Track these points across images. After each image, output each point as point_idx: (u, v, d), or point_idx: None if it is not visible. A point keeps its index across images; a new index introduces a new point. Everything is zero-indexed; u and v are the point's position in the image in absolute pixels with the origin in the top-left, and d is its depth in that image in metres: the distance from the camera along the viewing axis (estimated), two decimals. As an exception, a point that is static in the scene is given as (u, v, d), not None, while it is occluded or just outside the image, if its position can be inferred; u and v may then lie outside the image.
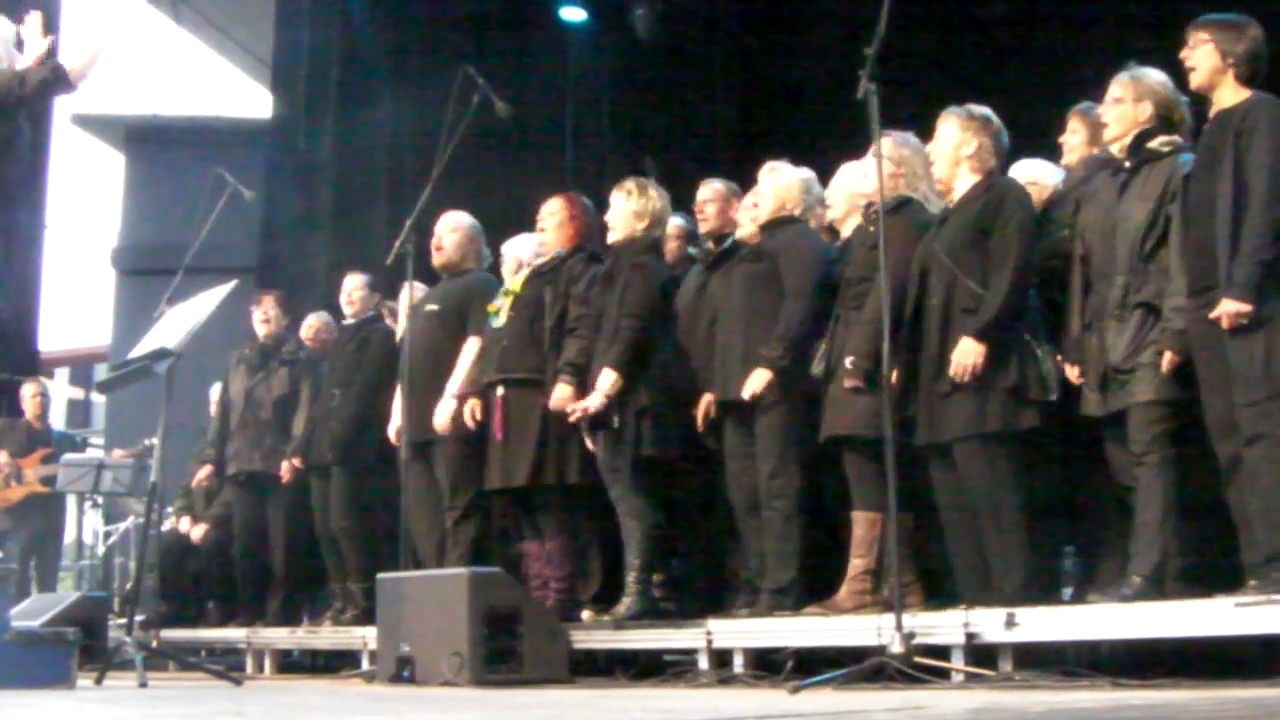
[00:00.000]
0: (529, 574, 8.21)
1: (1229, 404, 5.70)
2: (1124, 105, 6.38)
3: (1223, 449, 5.79)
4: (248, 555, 10.99)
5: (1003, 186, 6.76)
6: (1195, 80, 6.07)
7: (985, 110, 6.89)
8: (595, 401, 7.63)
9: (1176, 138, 6.30)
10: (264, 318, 10.91)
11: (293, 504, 10.47)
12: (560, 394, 7.90)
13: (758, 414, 7.39)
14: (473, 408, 8.48)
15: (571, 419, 7.74)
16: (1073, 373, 6.41)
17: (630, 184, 8.08)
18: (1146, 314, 6.10)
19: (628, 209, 8.00)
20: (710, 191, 8.25)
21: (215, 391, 11.78)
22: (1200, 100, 6.17)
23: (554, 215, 8.44)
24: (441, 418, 8.59)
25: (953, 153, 6.83)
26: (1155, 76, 6.40)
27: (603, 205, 8.21)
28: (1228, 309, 5.59)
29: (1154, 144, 6.28)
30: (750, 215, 7.85)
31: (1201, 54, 6.01)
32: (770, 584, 7.27)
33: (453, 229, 9.13)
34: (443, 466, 8.76)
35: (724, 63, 14.57)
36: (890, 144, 7.11)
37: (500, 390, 8.24)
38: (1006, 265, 6.50)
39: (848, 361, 6.91)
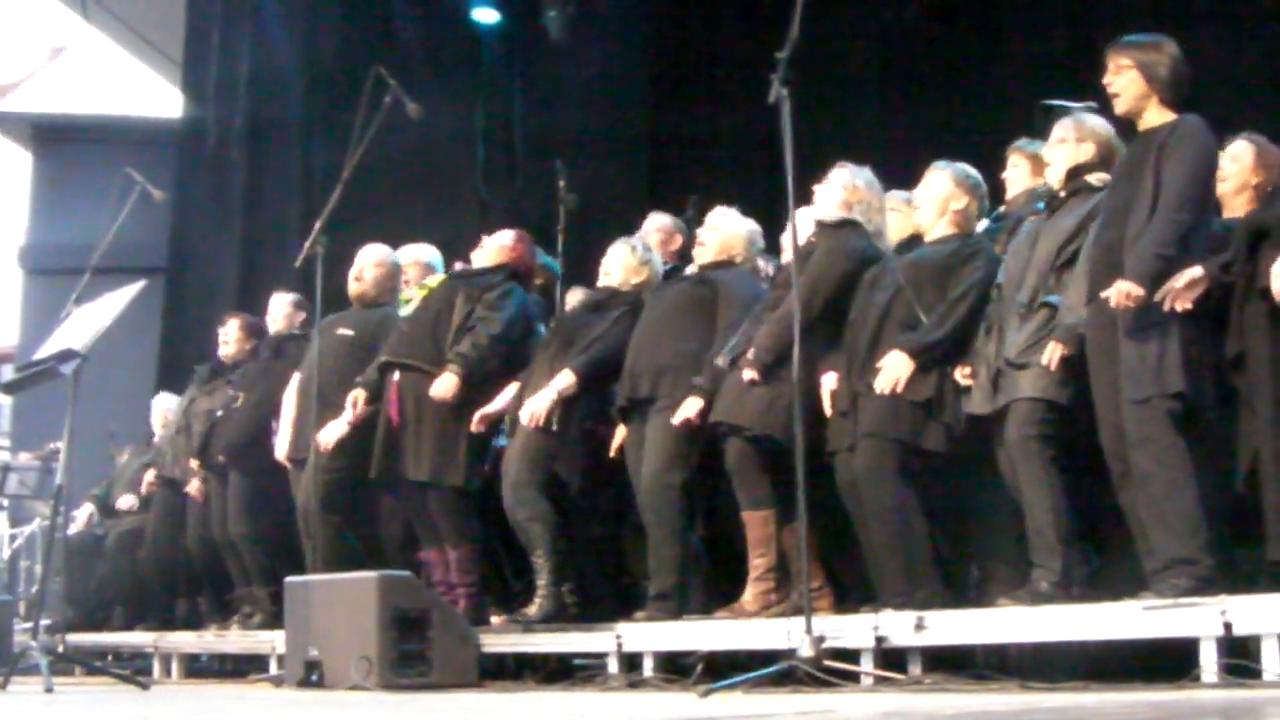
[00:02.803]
0: (432, 582, 8.20)
1: (1118, 410, 5.72)
2: (1067, 145, 6.43)
3: (1113, 455, 5.81)
4: (157, 557, 10.90)
5: (981, 242, 6.87)
6: (1120, 107, 6.07)
7: (977, 174, 7.00)
8: (547, 398, 7.69)
9: (1110, 177, 6.34)
10: (225, 339, 10.80)
11: (206, 509, 10.37)
12: (445, 384, 8.01)
13: (652, 414, 7.43)
14: (355, 398, 8.50)
15: (527, 423, 7.73)
16: (963, 371, 6.47)
17: (635, 242, 8.29)
18: (1050, 314, 6.14)
19: (629, 263, 8.18)
20: (655, 225, 8.56)
21: (157, 401, 11.73)
22: (1130, 129, 6.21)
23: (500, 241, 8.67)
24: (328, 436, 8.59)
25: (942, 203, 6.88)
26: (1099, 121, 6.45)
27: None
28: (1121, 288, 5.60)
29: (1089, 177, 6.35)
30: (697, 253, 7.94)
31: (1126, 80, 6.01)
32: (653, 589, 7.30)
33: (376, 264, 9.17)
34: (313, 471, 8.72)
35: (638, 66, 14.53)
36: (846, 173, 7.22)
37: (396, 375, 8.26)
38: (960, 304, 6.58)
39: (749, 353, 6.95)
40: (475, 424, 8.05)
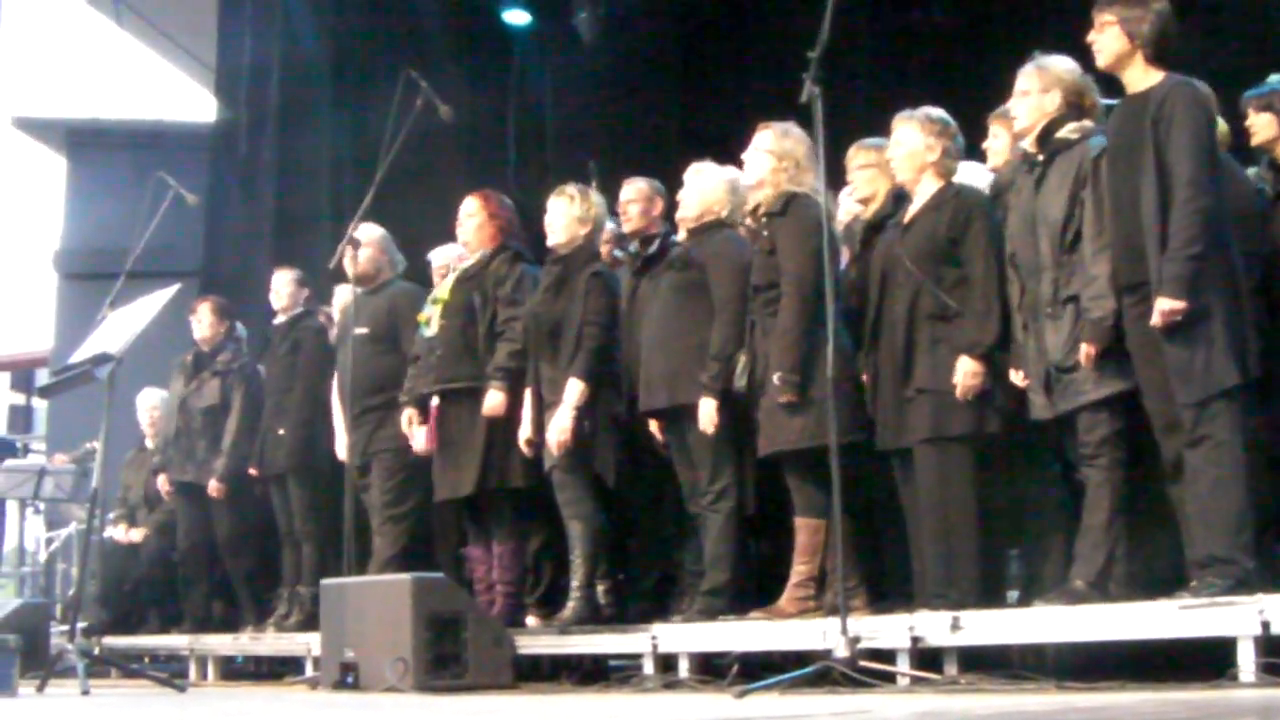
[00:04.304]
0: (473, 578, 8.20)
1: (1170, 402, 5.68)
2: (1031, 97, 6.33)
3: (1167, 446, 5.78)
4: (190, 560, 10.93)
5: (969, 198, 6.75)
6: (1102, 62, 6.03)
7: (942, 113, 6.87)
8: (567, 418, 7.61)
9: (1086, 122, 6.25)
10: (199, 324, 10.82)
11: (234, 511, 10.42)
12: (492, 401, 7.93)
13: (686, 421, 7.37)
14: (410, 417, 8.47)
15: (557, 451, 7.66)
16: (1017, 376, 6.40)
17: (571, 189, 8.07)
18: (1079, 309, 6.06)
19: (570, 214, 7.98)
20: (634, 192, 8.06)
21: (141, 398, 11.72)
22: (1111, 83, 6.14)
23: (472, 216, 8.44)
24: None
25: (917, 160, 6.79)
26: (1062, 64, 6.35)
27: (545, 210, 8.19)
28: (1162, 308, 5.55)
29: (1062, 133, 6.24)
30: (680, 218, 7.81)
31: (1107, 37, 5.96)
32: (705, 586, 7.26)
33: (365, 243, 9.09)
34: (380, 476, 8.76)
35: (668, 66, 14.52)
36: (771, 136, 7.11)
37: (435, 401, 8.23)
38: (990, 284, 6.51)
39: (775, 379, 6.88)
40: (526, 448, 8.00)
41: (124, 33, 16.81)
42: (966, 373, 6.44)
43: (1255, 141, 6.90)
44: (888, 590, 7.01)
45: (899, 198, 7.02)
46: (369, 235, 9.15)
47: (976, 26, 12.69)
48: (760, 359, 7.05)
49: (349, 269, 8.95)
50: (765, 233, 7.08)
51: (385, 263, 9.21)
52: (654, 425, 7.67)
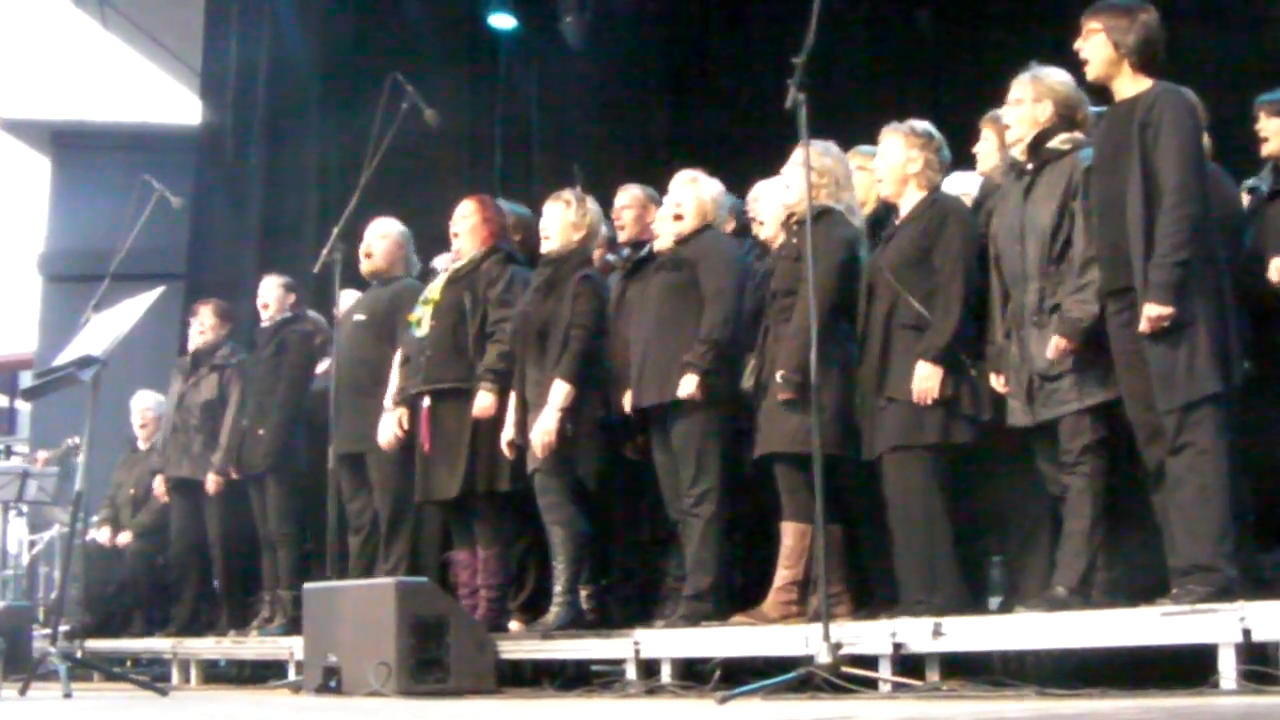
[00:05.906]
0: (457, 582, 8.18)
1: (1153, 410, 5.68)
2: (1024, 106, 6.36)
3: (1149, 454, 5.78)
4: (180, 561, 10.91)
5: (944, 205, 6.77)
6: (1090, 73, 6.05)
7: (927, 125, 6.90)
8: (551, 420, 7.59)
9: (1078, 134, 6.27)
10: (201, 328, 10.83)
11: (227, 510, 10.39)
12: (482, 402, 7.90)
13: (672, 421, 7.38)
14: (400, 417, 8.44)
15: (541, 453, 7.65)
16: (998, 382, 6.40)
17: (568, 195, 8.05)
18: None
19: (566, 220, 7.97)
20: (628, 198, 8.16)
21: (135, 400, 11.72)
22: (1103, 92, 6.15)
23: (467, 219, 8.43)
24: (385, 432, 8.55)
25: (899, 170, 6.83)
26: (1056, 76, 6.37)
27: (535, 215, 8.21)
28: (1150, 314, 5.56)
29: (1054, 143, 6.26)
30: (673, 228, 7.72)
31: (1093, 45, 5.99)
32: (688, 590, 7.26)
33: (382, 235, 9.10)
34: (378, 477, 8.74)
35: (654, 71, 14.52)
36: (813, 153, 7.12)
37: (426, 401, 8.20)
38: (954, 288, 6.53)
39: (779, 376, 6.89)
40: (507, 450, 7.97)
41: (109, 35, 16.81)
42: (920, 377, 6.47)
43: (1266, 149, 6.92)
44: (873, 597, 7.02)
45: (890, 206, 7.05)
46: (386, 230, 9.18)
47: (968, 33, 12.70)
48: (768, 363, 7.07)
49: (364, 267, 9.00)
50: (795, 240, 7.09)
51: (400, 259, 9.16)
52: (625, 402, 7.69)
